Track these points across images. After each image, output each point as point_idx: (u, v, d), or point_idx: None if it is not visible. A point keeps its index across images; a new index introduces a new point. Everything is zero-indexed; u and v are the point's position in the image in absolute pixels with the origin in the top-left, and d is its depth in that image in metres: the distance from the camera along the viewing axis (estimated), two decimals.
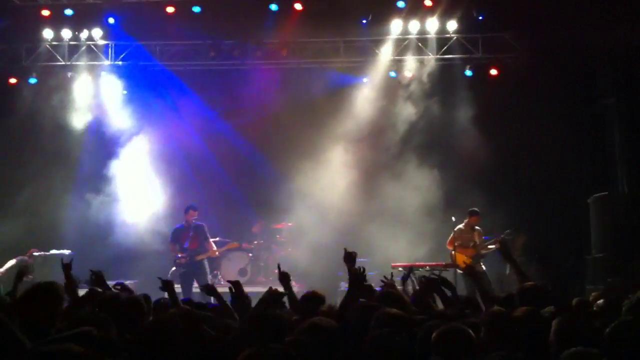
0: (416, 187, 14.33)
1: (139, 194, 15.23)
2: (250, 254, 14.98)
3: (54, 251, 13.24)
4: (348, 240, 13.35)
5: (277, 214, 15.06)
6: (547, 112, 13.99)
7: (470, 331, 3.77)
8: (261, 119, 15.22)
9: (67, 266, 6.74)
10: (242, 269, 14.64)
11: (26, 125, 15.06)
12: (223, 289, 12.03)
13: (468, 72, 15.01)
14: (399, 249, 13.38)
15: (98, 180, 15.03)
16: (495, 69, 14.93)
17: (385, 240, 13.41)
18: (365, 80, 15.56)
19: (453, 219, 12.63)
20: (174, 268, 12.93)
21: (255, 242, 15.09)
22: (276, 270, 6.40)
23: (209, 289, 6.33)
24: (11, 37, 15.17)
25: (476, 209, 12.75)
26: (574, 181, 13.73)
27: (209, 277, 13.36)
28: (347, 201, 14.68)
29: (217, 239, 13.84)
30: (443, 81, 15.20)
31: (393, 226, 14.04)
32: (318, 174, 14.80)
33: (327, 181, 14.77)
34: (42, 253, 12.68)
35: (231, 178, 15.10)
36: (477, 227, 12.71)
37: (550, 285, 5.13)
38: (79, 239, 14.13)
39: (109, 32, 15.34)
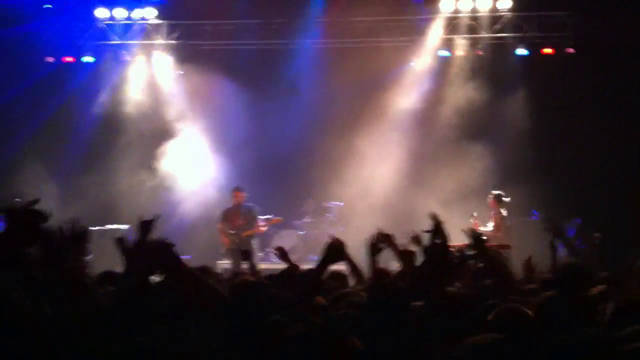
0: (469, 170, 14.18)
1: (192, 172, 15.44)
2: (301, 232, 15.11)
3: (109, 226, 13.54)
4: (399, 222, 13.44)
5: (328, 193, 15.11)
6: (604, 94, 13.71)
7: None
8: (311, 98, 15.30)
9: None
10: (293, 247, 14.77)
11: (81, 104, 15.36)
12: (274, 265, 12.25)
13: (521, 51, 14.77)
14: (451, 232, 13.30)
15: (153, 158, 15.26)
16: (549, 48, 14.65)
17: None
18: (412, 64, 15.42)
19: (508, 199, 12.61)
20: (224, 247, 13.23)
21: (306, 220, 15.20)
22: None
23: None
24: (66, 15, 15.47)
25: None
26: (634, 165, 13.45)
27: (257, 255, 13.62)
28: (398, 183, 14.64)
29: (271, 216, 14.01)
30: (495, 60, 14.98)
31: (446, 209, 13.94)
32: (369, 155, 14.79)
33: (379, 163, 14.74)
34: (99, 228, 12.98)
35: (282, 157, 15.16)
36: (501, 210, 12.20)
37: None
38: (135, 215, 14.40)
39: (162, 11, 15.52)
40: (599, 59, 13.83)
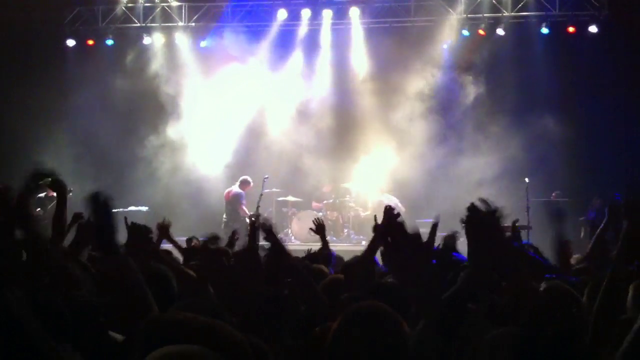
0: (488, 150, 13.96)
1: (209, 151, 15.46)
2: (320, 213, 15.06)
3: (132, 208, 13.62)
4: (417, 204, 13.41)
5: (348, 175, 15.07)
6: (629, 72, 13.48)
7: None
8: (333, 79, 15.37)
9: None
10: (312, 228, 14.74)
11: (103, 86, 15.40)
12: (293, 246, 12.27)
13: (544, 30, 14.55)
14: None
15: (171, 138, 15.29)
16: (573, 26, 14.42)
17: (454, 204, 13.17)
18: (445, 46, 15.23)
19: (526, 180, 12.52)
20: None
21: (325, 201, 15.16)
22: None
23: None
24: None
25: None
26: None
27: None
28: (417, 166, 14.38)
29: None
30: (518, 40, 14.77)
31: (464, 191, 13.76)
32: (388, 138, 14.68)
33: (397, 146, 14.57)
34: (122, 209, 13.05)
35: (303, 138, 15.15)
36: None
37: None
38: (152, 196, 14.69)
39: None
40: (626, 36, 13.57)
